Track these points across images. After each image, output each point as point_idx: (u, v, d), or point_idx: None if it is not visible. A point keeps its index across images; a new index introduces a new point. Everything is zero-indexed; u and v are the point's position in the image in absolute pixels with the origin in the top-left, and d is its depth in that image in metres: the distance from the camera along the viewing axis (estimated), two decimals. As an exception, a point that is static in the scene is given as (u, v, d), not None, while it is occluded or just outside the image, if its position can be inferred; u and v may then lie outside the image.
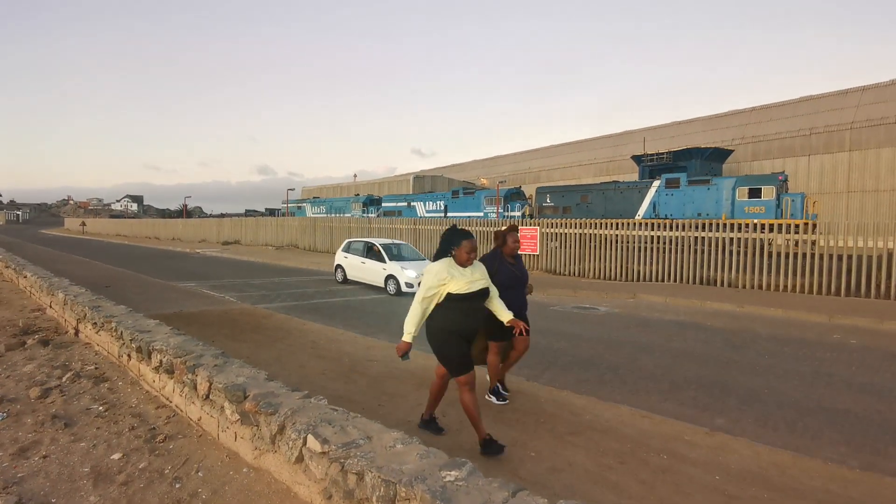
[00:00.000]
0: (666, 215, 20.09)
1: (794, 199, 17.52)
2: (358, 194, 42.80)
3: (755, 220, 13.51)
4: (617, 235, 14.88)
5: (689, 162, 23.75)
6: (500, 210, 26.46)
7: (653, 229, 14.38)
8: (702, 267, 13.38)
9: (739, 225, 12.99)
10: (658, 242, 14.18)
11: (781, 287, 12.11)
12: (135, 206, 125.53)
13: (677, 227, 13.90)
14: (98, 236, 51.46)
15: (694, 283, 13.46)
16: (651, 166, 25.64)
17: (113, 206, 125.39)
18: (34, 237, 46.93)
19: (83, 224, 63.45)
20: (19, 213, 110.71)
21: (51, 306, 8.32)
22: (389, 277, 12.29)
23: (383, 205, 34.34)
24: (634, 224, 14.88)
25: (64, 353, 5.90)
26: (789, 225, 13.17)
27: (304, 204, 43.24)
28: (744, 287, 12.63)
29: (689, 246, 13.55)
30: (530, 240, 16.69)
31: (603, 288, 12.91)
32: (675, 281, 13.75)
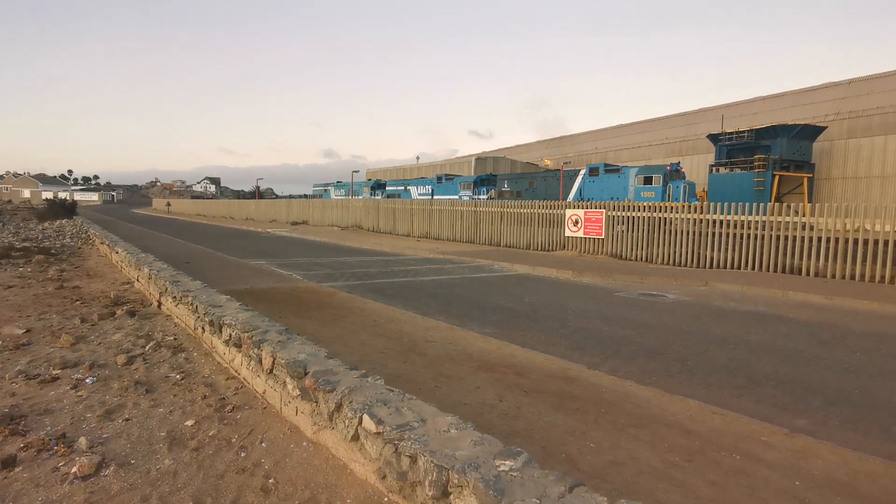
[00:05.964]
0: (588, 198, 22.08)
1: (676, 185, 20.19)
2: (370, 179, 47.99)
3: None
4: (687, 219, 14.05)
5: (773, 141, 22.00)
6: (470, 193, 29.78)
7: (730, 213, 13.44)
8: (784, 254, 12.38)
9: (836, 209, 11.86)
10: (730, 227, 13.25)
11: (878, 278, 11.00)
12: (213, 188, 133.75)
13: (759, 210, 12.92)
14: (181, 215, 55.24)
15: (775, 271, 12.50)
16: (729, 146, 24.01)
17: (194, 188, 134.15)
18: (126, 216, 51.05)
19: (168, 204, 68.48)
20: (114, 193, 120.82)
21: (138, 280, 9.00)
22: None
23: (387, 189, 39.61)
24: (708, 208, 13.95)
25: (148, 323, 6.36)
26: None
27: (329, 187, 48.07)
28: (832, 277, 11.58)
29: (771, 232, 12.55)
30: (595, 223, 16.13)
31: (672, 274, 12.27)
32: (752, 269, 12.83)
